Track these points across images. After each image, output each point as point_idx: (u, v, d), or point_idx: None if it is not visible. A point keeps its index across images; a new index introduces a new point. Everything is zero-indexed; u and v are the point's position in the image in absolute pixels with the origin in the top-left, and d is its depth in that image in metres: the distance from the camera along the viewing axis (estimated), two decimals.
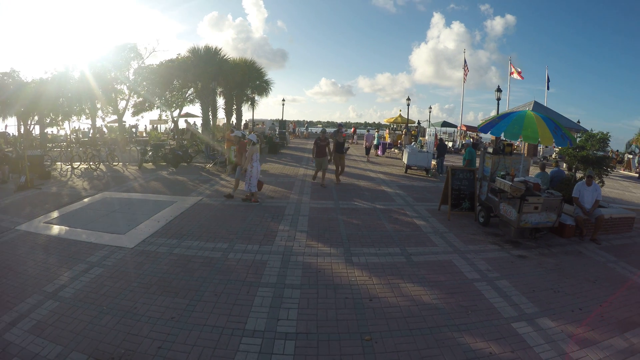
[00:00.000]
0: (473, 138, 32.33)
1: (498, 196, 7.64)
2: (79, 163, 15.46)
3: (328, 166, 12.09)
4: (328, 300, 4.66)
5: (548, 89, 31.51)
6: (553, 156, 30.44)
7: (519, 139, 7.23)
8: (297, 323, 4.16)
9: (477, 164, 9.47)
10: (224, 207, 8.94)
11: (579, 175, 11.16)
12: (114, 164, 16.02)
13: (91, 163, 15.03)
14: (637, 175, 23.70)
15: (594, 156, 10.83)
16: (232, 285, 4.96)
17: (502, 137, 7.29)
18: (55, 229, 7.30)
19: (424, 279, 5.37)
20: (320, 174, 12.13)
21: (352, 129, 42.57)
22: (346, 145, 13.01)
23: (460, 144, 30.76)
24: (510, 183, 7.05)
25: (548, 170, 10.67)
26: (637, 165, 26.66)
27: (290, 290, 4.88)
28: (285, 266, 5.60)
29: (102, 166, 15.26)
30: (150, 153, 16.22)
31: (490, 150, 8.52)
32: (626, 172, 25.45)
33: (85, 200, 9.50)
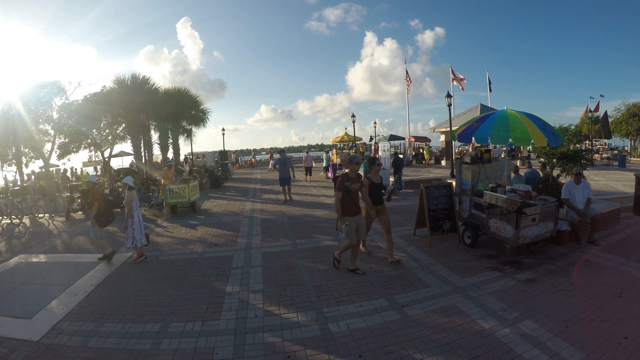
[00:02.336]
0: (421, 147, 32.61)
1: (486, 212, 6.54)
2: (1, 218, 12.90)
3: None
4: None
5: (490, 91, 32.23)
6: (502, 156, 31.08)
7: (509, 143, 6.21)
8: None
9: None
10: (157, 266, 7.15)
11: (555, 172, 10.62)
12: (39, 216, 13.56)
13: (13, 217, 12.53)
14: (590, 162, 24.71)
15: (572, 151, 10.32)
16: None
17: (489, 142, 6.25)
18: None
19: (431, 342, 3.97)
20: (352, 248, 6.19)
21: (269, 155, 34.45)
22: (390, 185, 7.51)
23: (411, 156, 30.70)
24: (505, 196, 5.95)
25: (521, 172, 10.01)
26: None
27: None
28: (240, 354, 3.93)
29: (26, 220, 12.79)
30: (78, 201, 13.99)
31: (467, 159, 7.44)
32: None
33: None
